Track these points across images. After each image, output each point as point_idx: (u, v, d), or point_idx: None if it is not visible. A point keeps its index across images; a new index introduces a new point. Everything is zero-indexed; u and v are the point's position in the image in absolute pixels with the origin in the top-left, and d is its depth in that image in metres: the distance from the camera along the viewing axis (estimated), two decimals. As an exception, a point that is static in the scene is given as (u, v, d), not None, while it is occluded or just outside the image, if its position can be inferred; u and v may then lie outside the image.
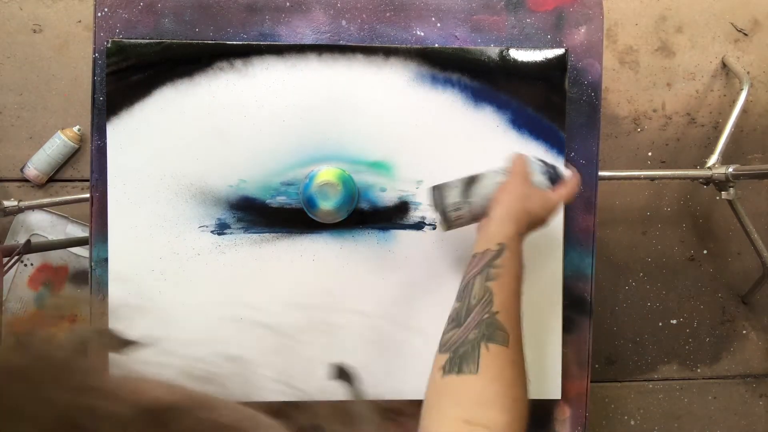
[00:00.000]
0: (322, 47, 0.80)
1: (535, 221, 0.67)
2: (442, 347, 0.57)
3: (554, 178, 0.72)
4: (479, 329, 0.55)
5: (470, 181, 0.70)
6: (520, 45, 0.85)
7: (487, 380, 0.52)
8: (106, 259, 0.79)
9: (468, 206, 0.69)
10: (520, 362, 0.56)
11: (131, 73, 0.78)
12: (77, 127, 1.55)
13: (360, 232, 0.81)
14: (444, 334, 0.58)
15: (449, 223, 0.70)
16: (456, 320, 0.58)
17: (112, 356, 0.80)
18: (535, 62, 0.81)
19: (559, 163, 0.80)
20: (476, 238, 0.66)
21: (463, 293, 0.60)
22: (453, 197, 0.69)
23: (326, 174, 0.78)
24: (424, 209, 0.81)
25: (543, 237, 0.82)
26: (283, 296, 0.81)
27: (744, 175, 1.39)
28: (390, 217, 0.81)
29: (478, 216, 0.69)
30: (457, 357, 0.54)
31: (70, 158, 1.57)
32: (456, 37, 0.85)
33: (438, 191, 0.70)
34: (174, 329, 0.79)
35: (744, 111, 1.61)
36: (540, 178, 0.71)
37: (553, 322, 0.83)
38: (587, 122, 0.86)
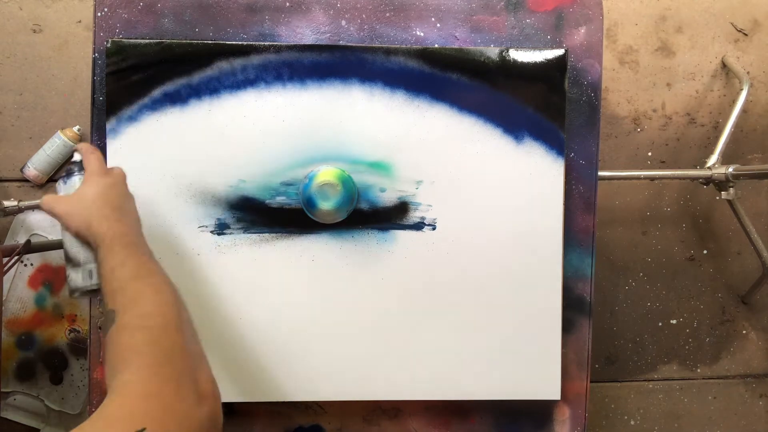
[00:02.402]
0: (322, 47, 0.80)
1: (97, 194, 0.65)
2: None
3: (80, 166, 0.69)
4: (104, 327, 0.57)
5: (68, 258, 0.67)
6: (520, 45, 0.85)
7: (106, 369, 0.53)
8: (105, 260, 0.79)
9: (88, 264, 0.66)
10: (126, 319, 0.55)
11: (131, 73, 0.78)
12: (77, 127, 1.55)
13: (360, 232, 0.81)
14: None
15: (94, 292, 0.67)
16: None
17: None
18: (535, 62, 0.81)
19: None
20: None
21: None
22: (79, 279, 0.66)
23: (326, 174, 0.78)
24: (423, 209, 0.81)
25: (543, 237, 0.82)
26: (283, 296, 0.81)
27: (744, 175, 1.39)
28: (389, 217, 0.81)
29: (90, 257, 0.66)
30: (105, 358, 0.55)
31: (69, 158, 1.57)
32: (456, 37, 0.85)
33: (74, 291, 0.67)
34: (174, 329, 0.79)
35: (744, 111, 1.61)
36: (72, 182, 0.68)
37: (553, 322, 0.83)
38: (587, 122, 0.86)
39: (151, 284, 0.59)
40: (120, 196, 0.67)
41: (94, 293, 0.68)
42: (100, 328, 0.84)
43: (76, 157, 0.70)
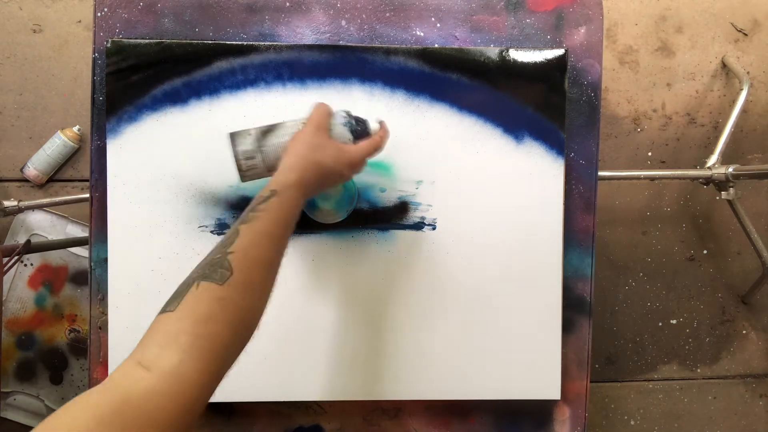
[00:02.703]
0: (322, 47, 0.80)
1: (328, 173, 0.64)
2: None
3: (359, 131, 0.68)
4: (203, 269, 0.52)
5: (267, 131, 0.66)
6: (520, 45, 0.85)
7: (177, 317, 0.49)
8: (105, 259, 0.79)
9: (261, 155, 0.65)
10: (232, 300, 0.51)
11: (131, 73, 0.78)
12: (77, 127, 1.55)
13: (360, 232, 0.81)
14: None
15: (242, 173, 0.66)
16: (200, 262, 0.55)
17: (113, 357, 0.80)
18: (535, 62, 0.81)
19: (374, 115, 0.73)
20: None
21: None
22: (246, 145, 0.65)
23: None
24: (423, 209, 0.81)
25: (543, 237, 0.82)
26: (283, 296, 0.81)
27: (744, 175, 1.39)
28: (390, 217, 0.81)
29: (272, 167, 0.65)
30: (173, 295, 0.51)
31: (70, 158, 1.57)
32: (456, 37, 0.85)
33: (232, 138, 0.66)
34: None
35: (744, 111, 1.61)
36: (341, 129, 0.67)
37: (553, 322, 0.83)
38: (587, 122, 0.86)
39: (264, 285, 0.57)
40: (333, 181, 0.67)
41: (241, 170, 0.66)
42: (100, 328, 0.84)
43: (374, 125, 0.69)
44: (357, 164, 0.66)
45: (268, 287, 0.57)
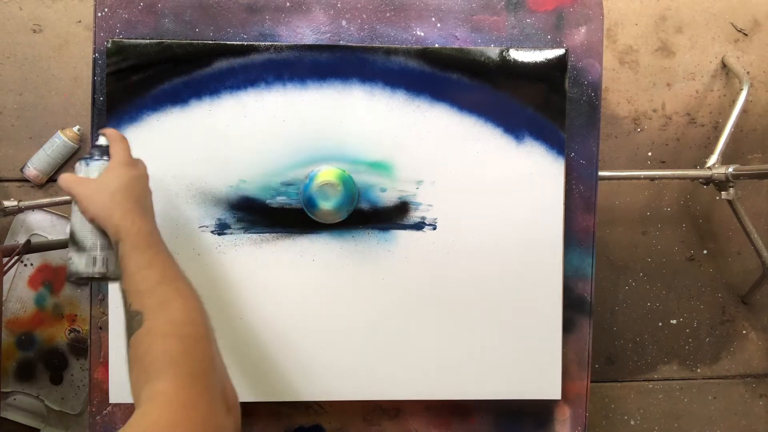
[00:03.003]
0: (322, 47, 0.80)
1: (123, 183, 0.64)
2: None
3: (101, 153, 0.68)
4: (127, 332, 0.56)
5: (73, 241, 0.66)
6: (520, 45, 0.85)
7: (133, 373, 0.53)
8: (106, 259, 0.79)
9: (92, 254, 0.65)
10: (156, 324, 0.54)
11: (131, 73, 0.78)
12: (77, 127, 1.55)
13: (360, 232, 0.81)
14: None
15: (108, 275, 0.66)
16: None
17: (113, 357, 0.80)
18: (535, 62, 0.81)
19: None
20: None
21: None
22: (81, 264, 0.65)
23: (326, 174, 0.78)
24: (424, 209, 0.81)
25: (543, 237, 0.82)
26: (283, 296, 0.81)
27: (744, 175, 1.39)
28: (390, 217, 0.81)
29: (107, 242, 0.65)
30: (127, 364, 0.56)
31: (70, 158, 1.57)
32: (456, 37, 0.85)
33: (73, 275, 0.66)
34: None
35: (744, 111, 1.61)
36: (93, 166, 0.67)
37: (553, 322, 0.83)
38: (587, 122, 0.86)
39: (178, 290, 0.58)
40: (143, 191, 0.67)
41: (93, 281, 0.67)
42: (100, 328, 0.83)
43: (102, 141, 0.69)
44: (129, 167, 0.66)
45: (179, 292, 0.58)
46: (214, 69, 0.79)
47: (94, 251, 0.65)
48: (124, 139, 0.68)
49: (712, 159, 1.45)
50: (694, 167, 1.64)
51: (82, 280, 0.67)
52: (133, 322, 0.55)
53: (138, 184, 0.66)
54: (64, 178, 0.65)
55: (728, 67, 1.65)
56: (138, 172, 0.67)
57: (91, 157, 0.68)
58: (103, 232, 0.64)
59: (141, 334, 0.54)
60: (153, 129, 0.79)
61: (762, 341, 1.73)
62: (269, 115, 0.79)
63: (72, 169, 0.71)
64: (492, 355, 0.83)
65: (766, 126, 1.70)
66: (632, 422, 1.71)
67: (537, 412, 0.88)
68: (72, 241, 0.66)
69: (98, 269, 0.65)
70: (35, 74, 1.56)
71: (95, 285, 0.83)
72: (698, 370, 1.72)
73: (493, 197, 0.81)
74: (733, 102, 1.55)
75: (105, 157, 0.68)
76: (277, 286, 0.81)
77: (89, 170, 0.67)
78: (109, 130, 0.69)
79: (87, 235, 0.65)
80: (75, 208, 0.66)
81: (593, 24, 0.86)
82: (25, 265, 1.51)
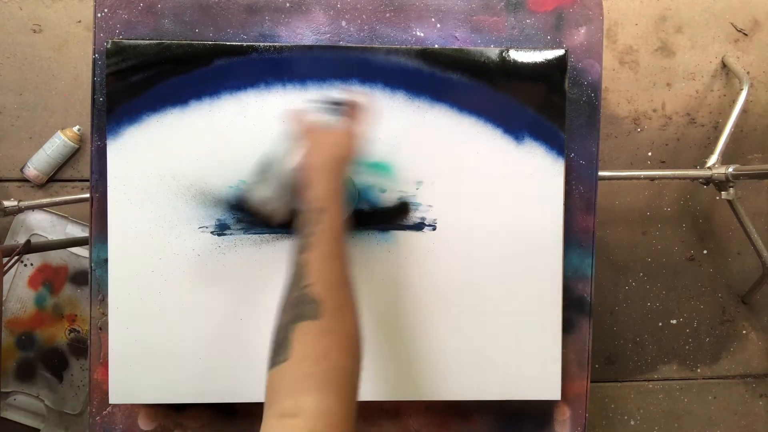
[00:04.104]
0: (322, 48, 0.80)
1: (347, 159, 0.63)
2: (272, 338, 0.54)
3: (343, 107, 0.67)
4: (293, 310, 0.52)
5: (265, 169, 0.65)
6: (520, 45, 0.85)
7: (296, 363, 0.48)
8: (106, 260, 0.79)
9: (274, 195, 0.64)
10: (333, 329, 0.51)
11: (131, 73, 0.78)
12: (77, 127, 1.55)
13: (360, 232, 0.81)
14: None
15: (269, 220, 0.65)
16: (281, 307, 0.55)
17: (113, 357, 0.80)
18: (535, 63, 0.81)
19: (351, 94, 0.71)
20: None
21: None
22: (257, 194, 0.65)
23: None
24: (423, 210, 0.81)
25: (543, 237, 0.82)
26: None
27: (744, 175, 1.39)
28: (390, 217, 0.81)
29: (289, 198, 0.64)
30: (272, 348, 0.51)
31: (70, 158, 1.57)
32: (456, 37, 0.85)
33: (243, 199, 0.66)
34: (174, 330, 0.79)
35: (744, 111, 1.61)
36: (328, 117, 0.66)
37: (553, 322, 0.83)
38: (587, 122, 0.86)
39: (353, 298, 0.55)
40: (346, 171, 0.65)
41: (256, 215, 0.66)
42: (100, 328, 0.84)
43: (343, 96, 0.67)
44: (356, 136, 0.66)
45: (355, 304, 0.56)
46: (213, 69, 0.79)
47: (279, 192, 0.64)
48: (364, 108, 0.67)
49: (712, 159, 1.45)
50: (694, 167, 1.64)
51: (247, 208, 0.65)
52: (308, 307, 0.51)
53: (348, 163, 0.64)
54: (303, 115, 0.64)
55: (728, 67, 1.65)
56: (353, 149, 0.65)
57: (334, 110, 0.66)
58: (292, 184, 0.62)
59: (315, 328, 0.50)
60: (153, 129, 0.79)
61: (762, 341, 1.73)
62: (269, 115, 0.79)
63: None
64: (492, 356, 0.83)
65: (766, 126, 1.70)
66: (632, 422, 1.71)
67: (537, 413, 0.88)
68: (263, 168, 0.65)
69: (269, 209, 0.65)
70: (35, 74, 1.57)
71: (95, 286, 0.83)
72: (698, 370, 1.72)
73: (493, 198, 0.81)
74: (733, 102, 1.55)
75: (342, 117, 0.66)
76: (277, 286, 0.80)
77: (326, 122, 0.65)
78: (359, 95, 0.67)
79: (282, 174, 0.64)
80: (290, 142, 0.64)
81: (593, 24, 0.86)
82: (25, 265, 1.51)
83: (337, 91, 0.69)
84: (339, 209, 0.59)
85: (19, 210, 1.42)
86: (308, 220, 0.58)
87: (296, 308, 0.52)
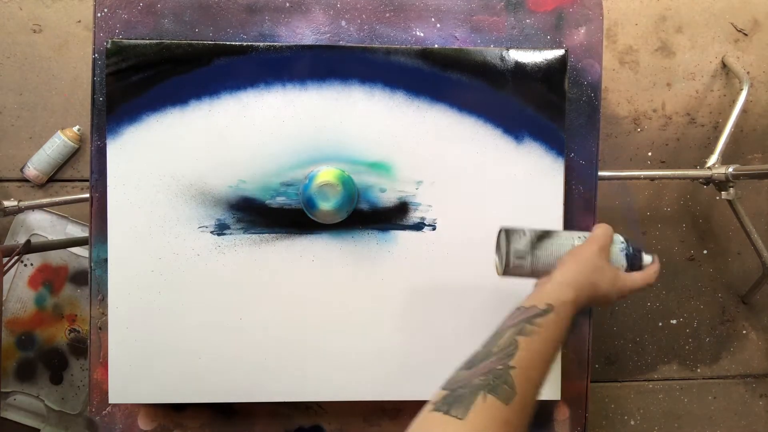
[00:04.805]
0: (321, 48, 0.80)
1: (599, 298, 0.64)
2: (446, 384, 0.53)
3: (634, 260, 0.68)
4: (486, 377, 0.51)
5: (543, 236, 0.67)
6: (520, 45, 0.85)
7: (468, 429, 0.47)
8: (105, 260, 0.79)
9: (531, 258, 0.66)
10: (514, 424, 0.50)
11: (131, 73, 0.78)
12: (77, 127, 1.55)
13: (360, 232, 0.81)
14: (454, 372, 0.55)
15: (507, 269, 0.67)
16: (470, 362, 0.55)
17: (113, 357, 0.80)
18: (535, 63, 0.81)
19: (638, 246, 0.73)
20: (530, 293, 0.63)
21: (490, 340, 0.57)
22: (520, 245, 0.66)
23: (326, 175, 0.78)
24: (423, 210, 0.81)
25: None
26: (283, 297, 0.81)
27: (744, 175, 1.39)
28: (390, 217, 0.81)
29: (539, 272, 0.66)
30: (451, 396, 0.50)
31: (70, 158, 1.57)
32: (456, 37, 0.85)
33: (506, 235, 0.67)
34: (173, 330, 0.79)
35: (744, 111, 1.61)
36: (618, 255, 0.68)
37: (553, 322, 0.83)
38: (587, 122, 0.86)
39: (533, 410, 0.54)
40: (601, 303, 0.66)
41: (506, 266, 0.68)
42: (100, 328, 0.84)
43: (647, 258, 0.70)
44: (626, 294, 0.66)
45: (533, 407, 0.55)
46: (213, 69, 0.79)
47: (530, 257, 0.66)
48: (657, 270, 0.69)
49: (712, 159, 1.45)
50: (694, 167, 1.64)
51: (511, 269, 0.67)
52: (503, 387, 0.51)
53: (610, 301, 0.66)
54: (610, 231, 0.67)
55: (728, 67, 1.65)
56: (625, 295, 0.67)
57: (626, 251, 0.69)
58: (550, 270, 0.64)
59: (501, 413, 0.49)
60: (153, 129, 0.79)
61: (762, 341, 1.73)
62: (269, 115, 0.79)
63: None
64: (492, 356, 0.82)
65: (766, 126, 1.70)
66: (632, 422, 1.71)
67: (537, 413, 0.88)
68: (540, 240, 0.67)
69: (520, 262, 0.66)
70: (35, 74, 1.57)
71: (95, 286, 0.83)
72: (698, 370, 1.72)
73: (493, 197, 0.81)
74: (733, 102, 1.55)
75: (627, 256, 0.69)
76: (277, 286, 0.81)
77: (620, 256, 0.68)
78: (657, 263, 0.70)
79: (546, 253, 0.66)
80: (575, 242, 0.67)
81: (593, 24, 0.86)
82: (25, 265, 1.51)
83: (641, 248, 0.71)
84: (567, 321, 0.59)
85: (19, 210, 1.42)
86: (536, 309, 0.58)
87: (492, 379, 0.51)
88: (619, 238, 0.69)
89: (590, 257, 0.63)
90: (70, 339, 1.53)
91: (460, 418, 0.47)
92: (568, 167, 0.84)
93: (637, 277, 0.67)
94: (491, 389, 0.50)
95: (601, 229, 0.67)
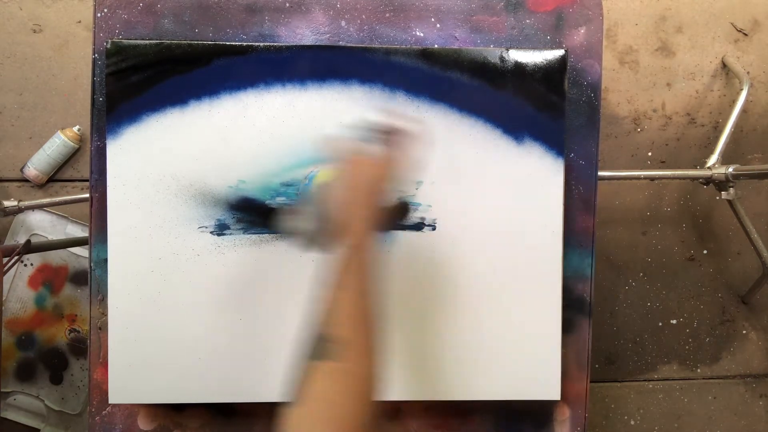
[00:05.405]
0: (321, 48, 0.80)
1: (383, 190, 0.62)
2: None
3: (384, 134, 0.65)
4: (312, 347, 0.51)
5: (303, 199, 0.64)
6: (520, 46, 0.85)
7: (308, 407, 0.49)
8: (105, 260, 0.79)
9: (313, 224, 0.64)
10: (347, 371, 0.50)
11: (131, 73, 0.78)
12: (77, 127, 1.55)
13: (359, 232, 0.81)
14: None
15: (313, 244, 0.65)
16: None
17: (113, 357, 0.80)
18: (535, 63, 0.81)
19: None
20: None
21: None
22: (296, 223, 0.65)
23: (326, 175, 0.78)
24: (423, 210, 0.81)
25: (543, 237, 0.82)
26: (283, 297, 0.81)
27: (744, 175, 1.39)
28: (389, 217, 0.81)
29: (327, 228, 0.63)
30: (292, 383, 0.50)
31: (70, 158, 1.57)
32: (455, 37, 0.85)
33: (287, 218, 0.66)
34: (173, 330, 0.79)
35: (744, 111, 1.61)
36: (366, 145, 0.64)
37: (553, 322, 0.83)
38: (587, 123, 0.86)
39: (375, 341, 0.54)
40: (383, 201, 0.63)
41: (301, 239, 0.65)
42: (100, 328, 0.84)
43: (380, 121, 0.65)
44: (395, 165, 0.64)
45: (375, 344, 0.55)
46: (213, 69, 0.79)
47: (317, 222, 0.64)
48: (407, 134, 0.65)
49: (712, 159, 1.45)
50: (694, 167, 1.64)
51: (294, 234, 0.65)
52: (327, 346, 0.51)
53: (384, 193, 0.62)
54: (339, 143, 0.62)
55: (728, 67, 1.65)
56: (391, 178, 0.63)
57: (373, 137, 0.65)
58: (328, 213, 0.61)
59: (331, 370, 0.50)
60: (153, 129, 0.79)
61: (762, 341, 1.73)
62: (269, 115, 0.79)
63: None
64: (492, 356, 0.83)
65: (766, 126, 1.70)
66: (632, 422, 1.71)
67: (537, 413, 0.88)
68: (301, 197, 0.65)
69: (308, 237, 0.64)
70: (35, 74, 1.57)
71: (95, 286, 0.83)
72: (698, 370, 1.72)
73: (493, 198, 0.81)
74: (733, 102, 1.55)
75: (377, 143, 0.64)
76: (277, 286, 0.81)
77: (362, 149, 0.64)
78: (404, 119, 0.65)
79: (319, 203, 0.64)
80: (324, 173, 0.63)
81: (593, 24, 0.86)
82: (25, 265, 1.51)
83: (378, 115, 0.66)
84: (370, 243, 0.58)
85: (19, 210, 1.42)
86: (341, 254, 0.57)
87: (317, 346, 0.51)
88: (357, 130, 0.66)
89: (351, 186, 0.61)
90: (70, 339, 1.53)
91: (298, 401, 0.49)
92: (567, 167, 0.84)
93: (397, 149, 0.64)
94: (318, 355, 0.51)
95: (333, 149, 0.64)
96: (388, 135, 0.66)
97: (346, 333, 0.52)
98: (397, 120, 0.67)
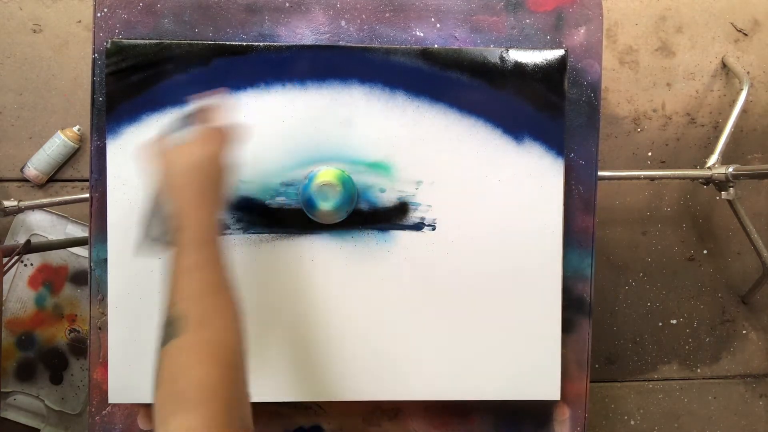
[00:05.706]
0: (321, 48, 0.80)
1: (204, 162, 0.61)
2: None
3: (194, 116, 0.66)
4: (160, 334, 0.52)
5: (153, 209, 0.65)
6: (520, 45, 0.85)
7: (162, 389, 0.49)
8: (105, 260, 0.79)
9: (163, 226, 0.64)
10: (197, 340, 0.51)
11: (131, 73, 0.78)
12: (77, 127, 1.55)
13: (359, 232, 0.81)
14: None
15: (167, 245, 0.65)
16: None
17: (113, 357, 0.80)
18: (535, 63, 0.81)
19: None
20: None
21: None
22: (153, 232, 0.65)
23: (325, 175, 0.78)
24: (423, 210, 0.81)
25: (543, 237, 0.82)
26: (282, 297, 0.81)
27: (744, 175, 1.39)
28: (389, 217, 0.81)
29: (172, 221, 0.63)
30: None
31: (70, 158, 1.57)
32: (455, 37, 0.85)
33: (146, 226, 0.66)
34: (173, 330, 0.79)
35: (744, 111, 1.61)
36: (179, 133, 0.65)
37: (552, 322, 0.83)
38: (587, 123, 0.86)
39: (223, 305, 0.55)
40: (215, 172, 0.62)
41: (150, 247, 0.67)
42: (100, 328, 0.84)
43: (189, 107, 0.66)
44: (212, 136, 0.63)
45: (226, 307, 0.56)
46: (213, 69, 0.79)
47: (157, 222, 0.65)
48: (214, 108, 0.65)
49: (712, 159, 1.45)
50: (694, 167, 1.64)
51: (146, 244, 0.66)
52: (170, 328, 0.51)
53: (209, 165, 0.61)
54: (156, 143, 0.63)
55: (728, 67, 1.65)
56: (211, 150, 0.62)
57: (184, 124, 0.65)
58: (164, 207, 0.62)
59: (176, 347, 0.50)
60: (153, 129, 0.79)
61: (762, 341, 1.73)
62: (268, 115, 0.79)
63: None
64: (491, 356, 0.83)
65: (766, 126, 1.70)
66: (632, 422, 1.71)
67: (536, 413, 0.88)
68: (152, 207, 0.66)
69: (152, 238, 0.65)
70: (35, 74, 1.57)
71: (95, 286, 0.83)
72: (698, 370, 1.72)
73: (493, 198, 0.81)
74: (733, 102, 1.55)
75: (187, 128, 0.65)
76: (276, 286, 0.81)
77: (175, 137, 0.65)
78: (207, 97, 0.65)
79: (157, 204, 0.65)
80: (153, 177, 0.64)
81: (593, 24, 0.86)
82: (25, 265, 1.51)
83: (187, 106, 0.68)
84: (201, 216, 0.59)
85: (19, 210, 1.42)
86: (177, 238, 0.58)
87: (162, 331, 0.52)
88: (170, 124, 0.67)
89: (170, 179, 0.61)
90: (70, 339, 1.53)
91: (155, 388, 0.50)
92: (567, 167, 0.84)
93: (194, 132, 0.64)
94: (164, 340, 0.52)
95: (147, 151, 0.64)
96: (195, 116, 0.67)
97: (184, 308, 0.53)
98: (201, 100, 0.68)
